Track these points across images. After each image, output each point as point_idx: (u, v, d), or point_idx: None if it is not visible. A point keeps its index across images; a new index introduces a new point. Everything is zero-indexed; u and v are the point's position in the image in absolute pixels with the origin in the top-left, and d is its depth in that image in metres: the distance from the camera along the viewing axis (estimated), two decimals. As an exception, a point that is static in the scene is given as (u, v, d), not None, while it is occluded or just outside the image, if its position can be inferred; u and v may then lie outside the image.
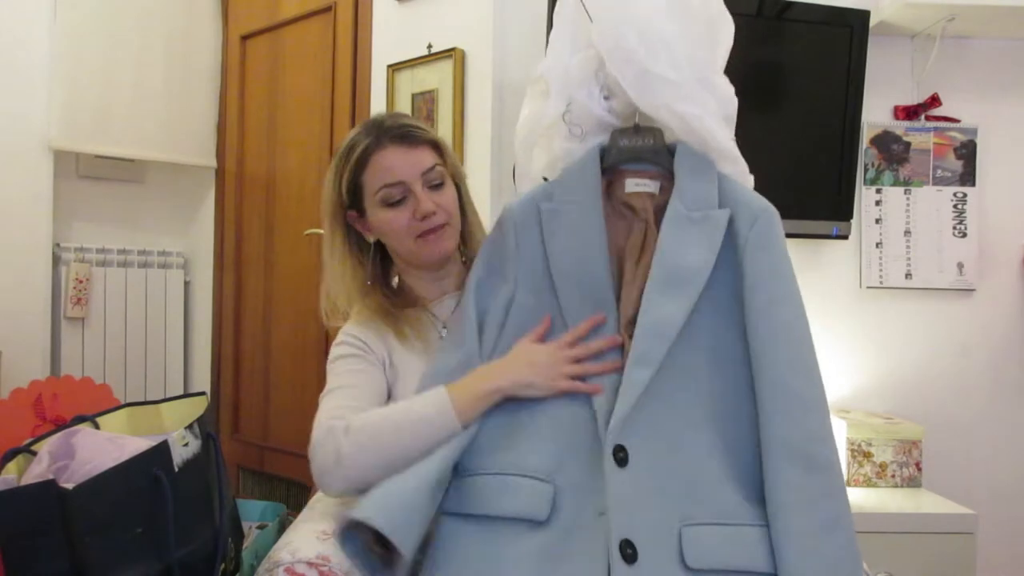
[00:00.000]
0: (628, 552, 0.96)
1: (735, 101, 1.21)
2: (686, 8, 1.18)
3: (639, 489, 1.00)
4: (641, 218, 1.15)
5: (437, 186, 1.22)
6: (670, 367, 1.04)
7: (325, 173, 2.17)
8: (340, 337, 1.26)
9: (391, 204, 1.21)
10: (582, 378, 1.09)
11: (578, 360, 1.10)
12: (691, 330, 1.06)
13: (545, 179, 1.26)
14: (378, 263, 1.29)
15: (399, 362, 1.23)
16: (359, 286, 1.26)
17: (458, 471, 1.09)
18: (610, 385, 1.07)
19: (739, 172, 1.18)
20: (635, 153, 1.18)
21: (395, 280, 1.33)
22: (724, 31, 1.22)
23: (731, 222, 1.09)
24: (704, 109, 1.16)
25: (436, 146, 1.24)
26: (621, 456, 1.02)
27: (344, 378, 1.20)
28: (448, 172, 1.25)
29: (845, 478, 1.12)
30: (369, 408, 1.16)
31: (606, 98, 1.21)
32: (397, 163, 1.20)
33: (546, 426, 1.08)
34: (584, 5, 1.18)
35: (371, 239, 1.27)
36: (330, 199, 1.25)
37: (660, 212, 1.14)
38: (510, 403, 1.10)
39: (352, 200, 1.24)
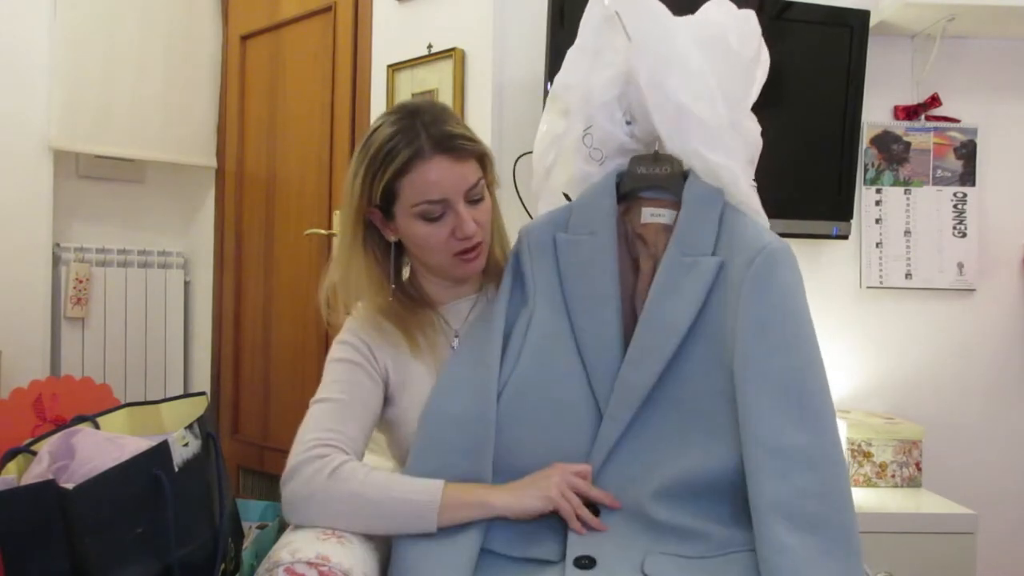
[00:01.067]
0: (584, 562, 0.98)
1: (760, 143, 1.19)
2: (726, 47, 1.15)
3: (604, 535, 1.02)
4: (651, 253, 1.14)
5: (476, 201, 1.15)
6: (642, 424, 1.05)
7: (325, 173, 2.18)
8: (345, 335, 1.21)
9: (431, 219, 1.13)
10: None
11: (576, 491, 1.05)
12: (672, 383, 1.06)
13: (567, 196, 1.24)
14: (391, 259, 1.23)
15: (407, 372, 1.19)
16: (374, 286, 1.20)
17: None
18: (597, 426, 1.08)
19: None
20: (652, 181, 1.16)
21: (405, 273, 1.28)
22: (760, 70, 1.20)
23: (728, 266, 1.06)
24: (731, 157, 1.13)
25: (482, 159, 1.17)
26: (590, 506, 1.04)
27: (338, 389, 1.16)
28: (487, 182, 1.19)
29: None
30: (359, 431, 1.14)
31: (628, 123, 1.19)
32: (443, 179, 1.11)
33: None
34: (623, 23, 1.14)
35: (392, 239, 1.20)
36: (355, 196, 1.15)
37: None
38: (526, 442, 1.10)
39: (383, 204, 1.15)
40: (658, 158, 1.16)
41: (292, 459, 1.11)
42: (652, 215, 1.15)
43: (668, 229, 1.13)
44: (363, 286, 1.20)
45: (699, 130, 1.11)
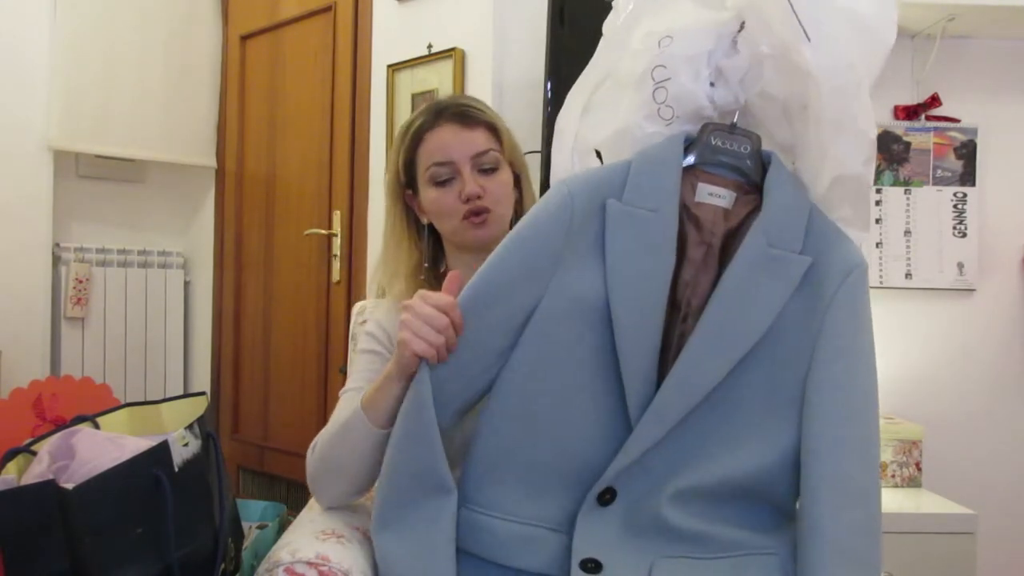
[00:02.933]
0: (590, 566, 0.94)
1: None
2: (863, 23, 0.97)
3: (614, 528, 0.97)
4: (705, 240, 0.99)
5: (488, 170, 1.19)
6: (679, 432, 0.96)
7: (325, 173, 2.19)
8: (370, 325, 1.25)
9: (439, 183, 1.19)
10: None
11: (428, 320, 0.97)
12: (734, 388, 0.95)
13: (599, 154, 1.07)
14: (430, 247, 1.27)
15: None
16: (411, 268, 1.25)
17: (479, 503, 1.01)
18: (618, 427, 0.98)
19: (860, 238, 1.01)
20: (728, 157, 1.00)
21: (443, 267, 1.32)
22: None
23: (817, 271, 0.96)
24: (871, 168, 0.99)
25: (494, 129, 1.21)
26: (607, 498, 0.97)
27: (360, 378, 1.20)
28: (505, 158, 1.22)
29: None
30: None
31: (711, 84, 1.01)
32: (449, 141, 1.18)
33: (568, 468, 0.99)
34: (794, 8, 0.93)
35: (425, 221, 1.26)
36: (390, 177, 1.26)
37: (728, 239, 0.99)
38: (529, 434, 1.00)
39: (408, 178, 1.23)
40: (735, 131, 1.00)
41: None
42: (710, 195, 1.00)
43: (726, 214, 1.00)
44: (402, 268, 1.25)
45: (861, 143, 0.97)
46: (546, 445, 1.00)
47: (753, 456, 0.96)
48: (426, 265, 1.26)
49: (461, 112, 1.19)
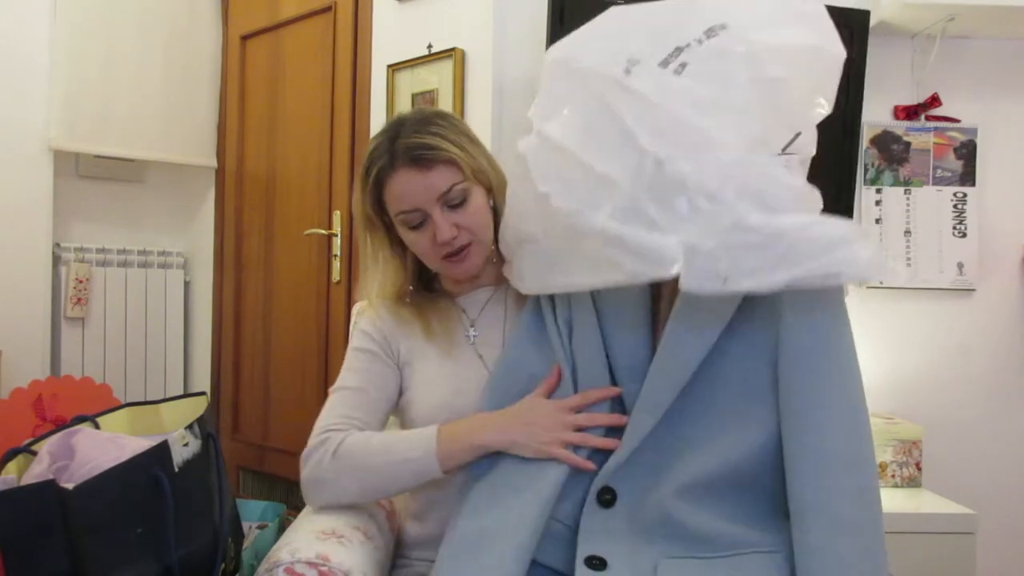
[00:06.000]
0: (595, 563, 0.95)
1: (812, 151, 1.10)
2: (815, 51, 1.03)
3: (619, 528, 0.99)
4: None
5: (458, 204, 1.16)
6: (679, 416, 0.99)
7: (325, 173, 2.16)
8: (363, 323, 1.26)
9: (412, 227, 1.17)
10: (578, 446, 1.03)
11: (579, 428, 1.04)
12: (711, 375, 0.99)
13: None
14: (415, 263, 1.26)
15: (419, 354, 1.23)
16: (395, 281, 1.25)
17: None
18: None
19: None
20: None
21: (437, 285, 1.33)
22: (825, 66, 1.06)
23: None
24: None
25: (453, 162, 1.15)
26: (607, 499, 1.00)
27: (356, 377, 1.21)
28: (472, 182, 1.17)
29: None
30: (373, 416, 1.18)
31: None
32: (411, 189, 1.14)
33: (544, 489, 1.02)
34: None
35: None
36: (359, 209, 1.22)
37: None
38: (509, 462, 1.06)
39: (380, 216, 1.21)
40: None
41: (305, 448, 1.15)
42: None
43: None
44: (386, 281, 1.25)
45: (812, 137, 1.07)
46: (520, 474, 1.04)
47: (742, 439, 0.98)
48: (411, 288, 1.27)
49: (415, 156, 1.13)
